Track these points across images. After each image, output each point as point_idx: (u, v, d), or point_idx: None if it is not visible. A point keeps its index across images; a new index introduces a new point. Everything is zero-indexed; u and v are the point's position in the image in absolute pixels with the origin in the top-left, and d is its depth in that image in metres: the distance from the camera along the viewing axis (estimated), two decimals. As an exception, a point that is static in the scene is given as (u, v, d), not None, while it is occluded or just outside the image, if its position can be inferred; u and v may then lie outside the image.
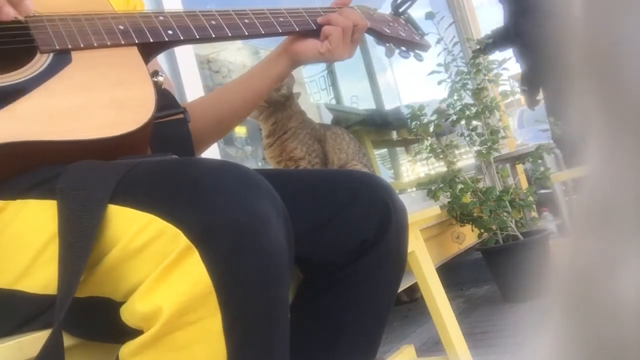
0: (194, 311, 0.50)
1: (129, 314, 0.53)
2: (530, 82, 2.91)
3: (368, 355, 0.81)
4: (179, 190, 0.54)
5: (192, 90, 1.58)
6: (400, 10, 1.07)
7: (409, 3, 1.06)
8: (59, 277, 0.53)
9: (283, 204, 0.58)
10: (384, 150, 3.77)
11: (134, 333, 0.53)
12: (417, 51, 1.06)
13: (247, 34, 0.84)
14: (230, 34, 0.83)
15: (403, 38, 1.03)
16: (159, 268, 0.51)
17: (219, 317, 0.51)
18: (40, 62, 0.68)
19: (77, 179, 0.57)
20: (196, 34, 0.79)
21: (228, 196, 0.53)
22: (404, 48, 1.04)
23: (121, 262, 0.53)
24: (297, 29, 0.90)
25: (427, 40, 1.08)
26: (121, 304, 0.54)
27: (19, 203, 0.60)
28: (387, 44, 1.02)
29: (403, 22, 1.07)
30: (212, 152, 1.58)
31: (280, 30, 0.88)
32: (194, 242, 0.50)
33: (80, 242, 0.53)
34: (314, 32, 0.92)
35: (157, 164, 0.59)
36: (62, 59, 0.69)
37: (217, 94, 0.97)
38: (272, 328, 0.55)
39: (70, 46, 0.69)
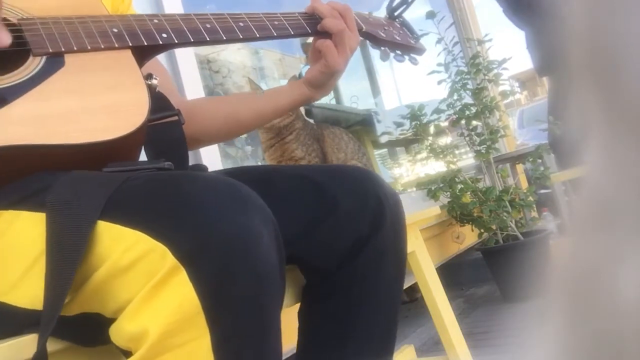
0: (182, 333, 0.49)
1: (117, 334, 0.52)
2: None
3: (381, 355, 0.78)
4: (167, 207, 0.53)
5: (192, 90, 1.58)
6: (395, 14, 1.07)
7: (404, 7, 1.06)
8: (44, 296, 0.51)
9: (274, 218, 0.56)
10: (384, 150, 3.77)
11: None
12: (412, 55, 1.06)
13: (241, 37, 0.84)
14: (225, 38, 0.82)
15: (398, 42, 1.02)
16: (145, 288, 0.49)
17: (207, 338, 0.49)
18: (33, 65, 0.67)
19: (67, 192, 0.55)
20: (190, 37, 0.79)
21: (217, 213, 0.51)
22: (399, 52, 1.04)
23: (109, 280, 0.52)
24: (293, 33, 0.90)
25: (422, 44, 1.08)
26: (111, 319, 0.53)
27: (11, 214, 0.58)
28: (382, 48, 1.02)
29: (398, 25, 1.06)
30: (212, 152, 1.58)
31: (275, 34, 0.88)
32: (181, 260, 0.49)
33: (67, 260, 0.51)
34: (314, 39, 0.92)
35: (148, 179, 0.57)
36: (55, 62, 0.68)
37: (244, 97, 1.04)
38: (262, 347, 0.54)
39: (63, 49, 0.69)
